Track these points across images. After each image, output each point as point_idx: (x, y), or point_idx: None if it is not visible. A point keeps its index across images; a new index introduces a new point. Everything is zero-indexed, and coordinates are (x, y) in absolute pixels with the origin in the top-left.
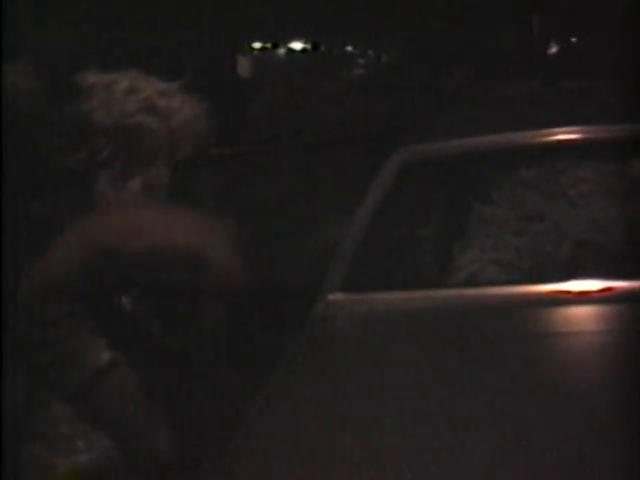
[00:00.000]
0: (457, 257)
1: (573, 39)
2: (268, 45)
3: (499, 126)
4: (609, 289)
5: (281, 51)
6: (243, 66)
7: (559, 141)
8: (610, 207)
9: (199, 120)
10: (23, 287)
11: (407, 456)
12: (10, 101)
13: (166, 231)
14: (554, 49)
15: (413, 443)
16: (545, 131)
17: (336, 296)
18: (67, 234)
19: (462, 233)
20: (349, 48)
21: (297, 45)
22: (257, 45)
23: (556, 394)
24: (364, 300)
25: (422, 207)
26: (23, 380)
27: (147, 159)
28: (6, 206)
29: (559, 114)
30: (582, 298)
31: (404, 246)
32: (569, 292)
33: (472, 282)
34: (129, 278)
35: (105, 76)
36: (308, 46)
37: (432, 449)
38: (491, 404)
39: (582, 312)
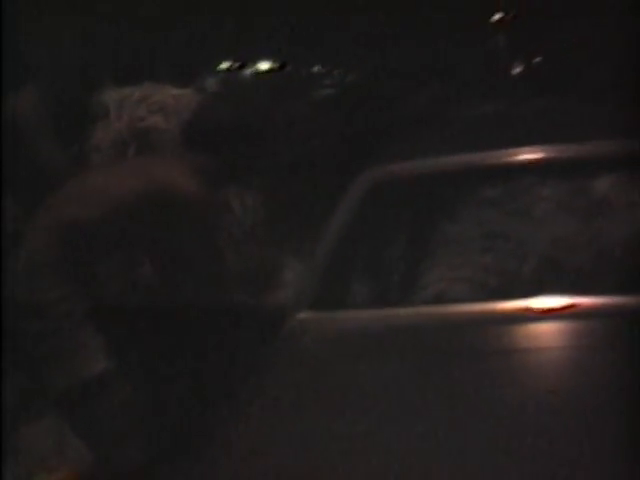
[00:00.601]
0: (425, 275)
1: (539, 58)
2: (235, 65)
3: (465, 146)
4: (572, 306)
5: (248, 71)
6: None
7: (523, 160)
8: (573, 225)
9: (210, 115)
10: (12, 277)
11: (376, 471)
12: (24, 123)
13: (123, 180)
14: (521, 67)
15: (382, 459)
16: (510, 151)
17: (306, 314)
18: (35, 216)
19: (429, 251)
20: (317, 68)
21: (264, 65)
22: (224, 65)
23: (522, 410)
24: (333, 318)
25: (390, 226)
26: (17, 383)
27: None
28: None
29: (524, 133)
30: (546, 315)
31: (373, 264)
32: (534, 309)
33: (439, 300)
34: (106, 242)
35: (119, 90)
36: (275, 66)
37: (403, 464)
38: (458, 421)
39: (546, 328)
